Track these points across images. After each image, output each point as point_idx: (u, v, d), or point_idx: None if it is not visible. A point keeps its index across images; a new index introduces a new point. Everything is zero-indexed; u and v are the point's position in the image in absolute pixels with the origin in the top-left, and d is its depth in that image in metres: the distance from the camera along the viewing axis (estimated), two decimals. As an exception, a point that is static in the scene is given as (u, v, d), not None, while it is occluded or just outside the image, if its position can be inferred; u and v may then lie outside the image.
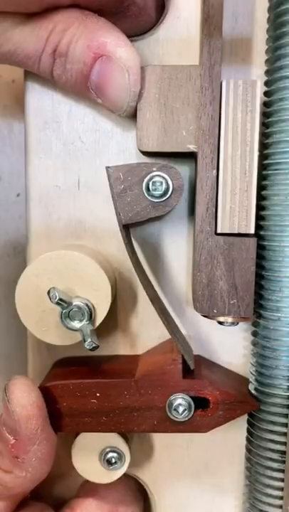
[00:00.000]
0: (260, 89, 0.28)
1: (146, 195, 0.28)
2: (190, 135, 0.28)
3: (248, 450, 0.32)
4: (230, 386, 0.30)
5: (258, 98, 0.28)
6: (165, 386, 0.29)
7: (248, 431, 0.33)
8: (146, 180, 0.28)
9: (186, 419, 0.29)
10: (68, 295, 0.29)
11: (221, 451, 0.34)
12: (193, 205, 0.31)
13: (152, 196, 0.28)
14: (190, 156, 0.31)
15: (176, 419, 0.29)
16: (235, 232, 0.28)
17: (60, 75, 0.29)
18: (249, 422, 0.32)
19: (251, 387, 0.32)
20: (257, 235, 0.29)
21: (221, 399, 0.29)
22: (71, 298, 0.29)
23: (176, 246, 0.33)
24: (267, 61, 0.29)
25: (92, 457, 0.31)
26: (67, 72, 0.28)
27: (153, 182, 0.28)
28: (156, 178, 0.28)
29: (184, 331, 0.33)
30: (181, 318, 0.33)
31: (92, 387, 0.29)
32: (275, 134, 0.29)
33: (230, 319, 0.29)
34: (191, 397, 0.29)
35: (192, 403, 0.29)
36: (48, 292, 0.28)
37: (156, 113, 0.28)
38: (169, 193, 0.28)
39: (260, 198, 0.30)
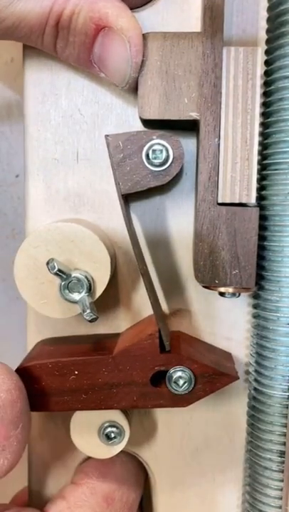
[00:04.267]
0: (260, 56, 0.27)
1: (146, 163, 0.28)
2: (192, 103, 0.28)
3: (248, 450, 0.32)
4: (209, 360, 0.30)
5: (259, 66, 0.27)
6: (142, 361, 0.29)
7: (248, 431, 0.32)
8: (146, 148, 0.28)
9: (187, 392, 0.29)
10: (67, 267, 0.29)
11: (221, 428, 0.34)
12: (194, 178, 0.31)
13: (152, 165, 0.28)
14: (191, 129, 0.31)
15: (175, 392, 0.29)
16: (236, 201, 0.28)
17: (63, 48, 0.29)
18: (248, 423, 0.32)
19: (251, 387, 0.32)
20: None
21: (199, 372, 0.29)
22: (70, 270, 0.29)
23: (177, 221, 0.32)
24: (266, 62, 0.29)
25: (91, 432, 0.31)
26: (70, 45, 0.28)
27: (153, 150, 0.28)
28: (156, 147, 0.28)
29: (184, 306, 0.33)
30: (181, 293, 0.33)
31: (70, 365, 0.29)
32: (275, 134, 0.29)
33: (231, 290, 0.28)
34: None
35: (192, 376, 0.29)
36: (47, 263, 0.28)
37: (157, 80, 0.28)
38: (169, 161, 0.28)
39: (260, 198, 0.30)
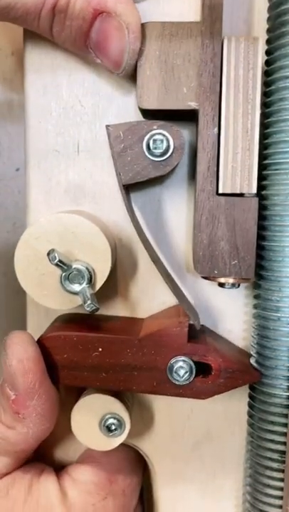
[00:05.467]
0: (262, 46, 0.27)
1: (146, 154, 0.28)
2: (191, 92, 0.28)
3: (248, 450, 0.32)
4: (232, 356, 0.30)
5: (260, 55, 0.27)
6: (169, 347, 0.29)
7: (248, 431, 0.32)
8: (146, 138, 0.28)
9: (187, 382, 0.29)
10: (68, 258, 0.29)
11: (221, 421, 0.34)
12: (194, 169, 0.31)
13: (153, 155, 0.28)
14: (191, 119, 0.31)
15: (176, 382, 0.29)
16: (237, 191, 0.28)
17: (59, 32, 0.28)
18: (249, 422, 0.32)
19: (251, 387, 0.32)
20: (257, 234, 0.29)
21: (223, 366, 0.29)
22: (71, 261, 0.29)
23: (177, 212, 0.32)
24: (267, 61, 0.29)
25: (91, 424, 0.31)
26: (66, 29, 0.28)
27: (154, 140, 0.28)
28: (157, 137, 0.28)
29: (184, 298, 0.33)
30: (181, 284, 0.33)
31: (96, 341, 0.29)
32: (275, 134, 0.29)
33: (231, 280, 0.28)
34: (193, 362, 0.29)
35: (193, 366, 0.29)
36: (48, 254, 0.28)
37: (156, 70, 0.28)
38: (170, 151, 0.28)
39: (261, 198, 0.30)
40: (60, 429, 0.33)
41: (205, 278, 0.29)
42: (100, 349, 0.29)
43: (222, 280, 0.28)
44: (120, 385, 0.29)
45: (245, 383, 0.30)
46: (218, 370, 0.29)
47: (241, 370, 0.29)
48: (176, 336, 0.29)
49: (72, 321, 0.32)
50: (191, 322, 0.30)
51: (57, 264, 0.28)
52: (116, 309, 0.33)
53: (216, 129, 0.27)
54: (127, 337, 0.29)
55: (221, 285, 0.29)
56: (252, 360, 0.31)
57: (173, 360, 0.29)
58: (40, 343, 0.29)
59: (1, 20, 0.28)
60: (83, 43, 0.28)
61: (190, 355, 0.29)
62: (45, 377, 0.29)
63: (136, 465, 0.35)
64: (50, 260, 0.28)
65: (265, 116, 0.29)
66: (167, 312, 0.32)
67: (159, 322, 0.31)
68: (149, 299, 0.33)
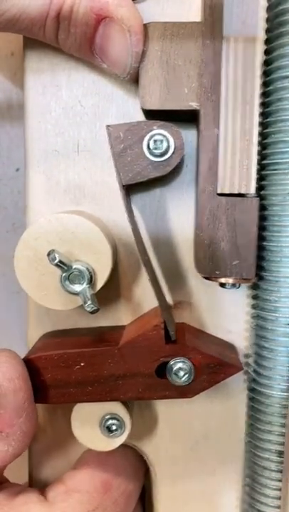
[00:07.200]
0: (260, 47, 0.27)
1: (146, 154, 0.28)
2: (192, 93, 0.28)
3: (247, 450, 0.32)
4: (214, 351, 0.30)
5: (258, 56, 0.27)
6: (148, 352, 0.29)
7: (247, 431, 0.32)
8: (146, 138, 0.28)
9: (187, 383, 0.29)
10: (68, 258, 0.29)
11: (220, 422, 0.34)
12: (194, 170, 0.31)
13: (153, 155, 0.28)
14: (192, 121, 0.31)
15: (175, 383, 0.29)
16: (236, 192, 0.28)
17: (64, 40, 0.29)
18: (247, 423, 0.32)
19: (249, 387, 0.32)
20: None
21: (204, 363, 0.29)
22: (71, 261, 0.29)
23: (178, 213, 0.32)
24: (265, 62, 0.29)
25: (91, 424, 0.31)
26: (71, 36, 0.28)
27: (154, 140, 0.28)
28: (157, 137, 0.28)
29: (185, 299, 0.33)
30: (182, 285, 0.33)
31: (76, 356, 0.29)
32: (274, 134, 0.29)
33: (231, 280, 0.28)
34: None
35: (192, 367, 0.29)
36: (48, 254, 0.28)
37: (158, 70, 0.28)
38: (170, 152, 0.28)
39: (259, 198, 0.30)
40: (61, 430, 0.33)
41: (206, 278, 0.29)
42: (82, 364, 0.29)
43: (223, 280, 0.29)
44: (107, 396, 0.29)
45: (228, 376, 0.29)
46: (199, 367, 0.29)
47: (223, 364, 0.29)
48: (152, 340, 0.29)
49: (54, 338, 0.32)
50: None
51: (57, 265, 0.28)
52: (118, 310, 0.33)
53: (216, 130, 0.27)
54: (106, 348, 0.29)
55: (222, 285, 0.29)
56: (250, 360, 0.31)
57: (172, 362, 0.29)
58: None
59: (7, 32, 0.28)
60: (88, 49, 0.28)
61: (170, 357, 0.29)
62: (32, 395, 0.29)
63: (136, 469, 0.34)
64: (50, 261, 0.28)
65: (263, 116, 0.29)
66: (145, 315, 0.32)
67: (137, 327, 0.31)
68: (151, 298, 0.33)
